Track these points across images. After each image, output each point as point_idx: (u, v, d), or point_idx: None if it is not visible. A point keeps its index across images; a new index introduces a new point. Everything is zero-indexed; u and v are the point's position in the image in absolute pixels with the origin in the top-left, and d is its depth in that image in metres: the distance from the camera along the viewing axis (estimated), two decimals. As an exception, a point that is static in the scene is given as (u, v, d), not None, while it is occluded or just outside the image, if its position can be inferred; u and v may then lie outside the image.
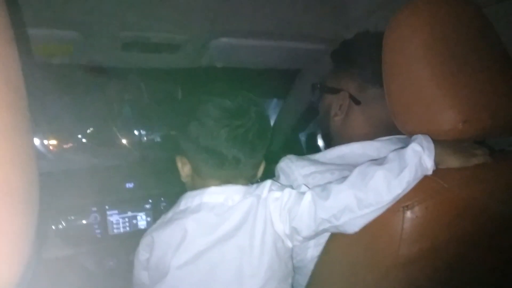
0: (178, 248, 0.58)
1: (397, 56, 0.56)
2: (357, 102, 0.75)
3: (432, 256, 0.52)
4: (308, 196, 0.56)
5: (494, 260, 0.62)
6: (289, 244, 0.60)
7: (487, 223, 0.56)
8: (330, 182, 0.58)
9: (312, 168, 0.65)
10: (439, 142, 0.53)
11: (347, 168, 0.59)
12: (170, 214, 0.64)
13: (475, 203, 0.53)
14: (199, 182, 0.64)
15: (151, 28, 0.85)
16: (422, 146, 0.51)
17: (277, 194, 0.60)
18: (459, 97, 0.51)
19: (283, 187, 0.62)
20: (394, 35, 0.56)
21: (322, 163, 0.67)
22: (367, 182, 0.52)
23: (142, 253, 0.64)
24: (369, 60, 0.61)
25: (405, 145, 0.53)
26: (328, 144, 0.85)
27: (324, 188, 0.56)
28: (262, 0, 0.83)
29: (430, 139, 0.53)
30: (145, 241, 0.63)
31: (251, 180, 0.67)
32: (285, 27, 0.94)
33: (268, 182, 0.63)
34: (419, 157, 0.51)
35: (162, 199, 1.19)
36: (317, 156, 0.70)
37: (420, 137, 0.54)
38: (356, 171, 0.55)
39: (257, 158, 0.64)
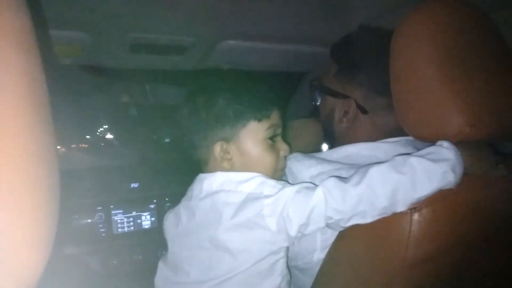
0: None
1: (404, 60, 0.56)
2: (365, 112, 0.71)
3: (439, 259, 0.53)
4: (319, 194, 0.53)
5: (499, 263, 0.62)
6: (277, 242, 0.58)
7: (493, 226, 0.57)
8: (345, 179, 0.54)
9: (319, 168, 0.64)
10: (464, 152, 0.52)
11: (354, 168, 0.58)
12: None
13: (481, 207, 0.54)
14: None
15: (158, 30, 0.85)
16: (454, 172, 0.49)
17: (271, 192, 0.57)
18: (466, 101, 0.51)
19: (278, 185, 0.58)
20: (401, 39, 0.57)
21: (329, 162, 0.66)
22: (387, 191, 0.50)
23: None
24: (378, 68, 0.59)
25: (413, 147, 0.53)
26: (331, 145, 0.82)
27: (336, 186, 0.53)
28: (267, 4, 0.84)
29: (462, 163, 0.51)
30: None
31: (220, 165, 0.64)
32: (290, 30, 0.94)
33: (257, 179, 0.59)
34: (447, 182, 0.50)
35: (166, 199, 1.20)
36: (323, 155, 0.70)
37: (453, 161, 0.50)
38: (377, 175, 0.52)
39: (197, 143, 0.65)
